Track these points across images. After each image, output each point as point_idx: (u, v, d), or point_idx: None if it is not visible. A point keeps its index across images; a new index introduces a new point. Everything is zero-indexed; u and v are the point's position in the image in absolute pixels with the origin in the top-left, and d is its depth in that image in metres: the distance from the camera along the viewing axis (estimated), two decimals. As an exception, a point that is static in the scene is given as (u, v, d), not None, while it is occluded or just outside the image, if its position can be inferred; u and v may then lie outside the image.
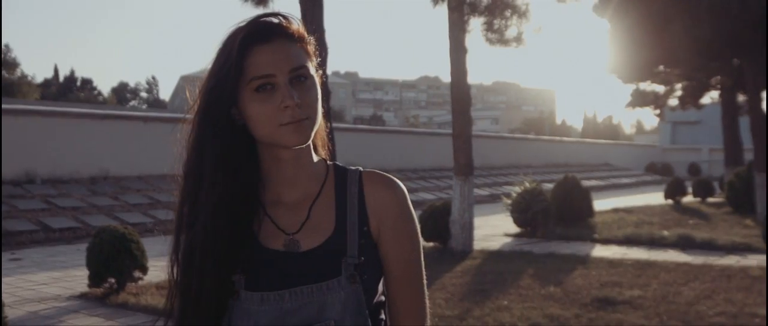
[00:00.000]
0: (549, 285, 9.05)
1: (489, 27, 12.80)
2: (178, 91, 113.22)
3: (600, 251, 12.43)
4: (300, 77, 1.43)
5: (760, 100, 17.40)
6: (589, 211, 17.14)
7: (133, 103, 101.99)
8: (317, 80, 1.48)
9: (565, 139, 51.69)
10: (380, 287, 1.53)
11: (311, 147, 1.53)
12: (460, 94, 12.46)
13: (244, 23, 1.47)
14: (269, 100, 1.41)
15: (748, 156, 24.18)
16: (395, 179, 1.58)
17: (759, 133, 16.98)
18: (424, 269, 1.59)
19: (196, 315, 1.44)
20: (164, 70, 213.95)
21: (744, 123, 26.78)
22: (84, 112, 21.03)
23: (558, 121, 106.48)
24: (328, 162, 1.61)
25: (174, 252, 1.50)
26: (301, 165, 1.52)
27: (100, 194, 17.33)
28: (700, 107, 27.19)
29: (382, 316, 1.54)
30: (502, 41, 12.91)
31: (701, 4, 14.58)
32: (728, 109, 25.68)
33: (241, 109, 1.45)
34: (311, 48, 1.51)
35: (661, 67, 21.26)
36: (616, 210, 19.78)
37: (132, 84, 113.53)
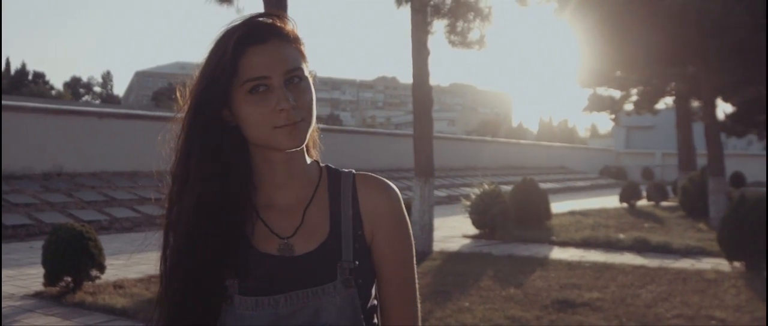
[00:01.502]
0: (509, 287, 9.11)
1: (452, 29, 12.84)
2: (133, 86, 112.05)
3: (558, 253, 12.56)
4: (295, 78, 1.41)
5: (714, 107, 17.74)
6: (547, 214, 17.30)
7: (86, 97, 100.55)
8: (311, 81, 1.46)
9: (522, 141, 52.15)
10: (373, 291, 1.52)
11: (304, 149, 1.51)
12: (422, 95, 12.48)
13: (238, 22, 1.44)
14: (263, 102, 1.38)
15: (701, 161, 24.67)
16: (389, 182, 1.56)
17: (713, 139, 17.31)
18: (416, 274, 1.57)
19: (185, 318, 1.41)
20: (119, 66, 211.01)
21: (697, 128, 27.34)
22: (37, 106, 20.60)
23: (514, 124, 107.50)
24: (321, 164, 1.59)
25: (163, 254, 1.47)
26: (295, 167, 1.50)
27: (54, 191, 17.00)
28: (655, 112, 27.65)
29: (375, 321, 1.53)
30: (465, 44, 12.96)
31: (659, 12, 14.81)
32: (683, 114, 26.15)
33: (233, 110, 1.42)
34: (305, 49, 1.49)
35: (618, 73, 21.56)
36: (572, 213, 20.01)
37: (85, 78, 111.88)
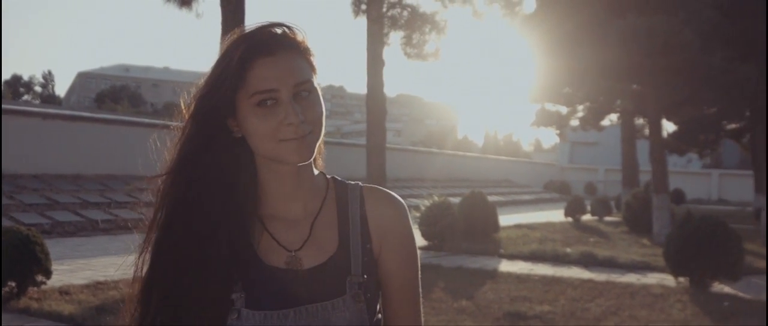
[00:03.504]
0: (461, 299, 9.14)
1: (408, 41, 12.91)
2: (75, 87, 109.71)
3: (507, 266, 12.66)
4: (303, 92, 1.38)
5: (660, 125, 18.13)
6: (495, 227, 17.42)
7: (26, 97, 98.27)
8: (320, 93, 1.44)
9: (468, 154, 52.55)
10: (378, 305, 1.50)
11: (312, 161, 1.49)
12: (375, 106, 12.52)
13: (247, 32, 1.41)
14: (271, 115, 1.35)
15: (644, 177, 25.18)
16: (396, 195, 1.55)
17: (657, 156, 17.69)
18: (420, 289, 1.56)
19: None
20: (61, 65, 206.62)
21: (641, 145, 27.92)
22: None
23: (460, 137, 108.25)
24: (327, 175, 1.57)
25: (153, 270, 1.42)
26: (302, 179, 1.47)
27: (-6, 192, 16.54)
28: (601, 129, 28.14)
29: None
30: (421, 56, 13.05)
31: (609, 30, 15.10)
32: (627, 132, 26.67)
33: (239, 121, 1.39)
34: (314, 60, 1.46)
35: (567, 89, 21.89)
36: (519, 226, 20.20)
37: (26, 77, 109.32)
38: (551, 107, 25.25)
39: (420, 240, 15.35)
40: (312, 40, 1.46)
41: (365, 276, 1.44)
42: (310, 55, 1.45)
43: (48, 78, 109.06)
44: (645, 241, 16.95)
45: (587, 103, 24.08)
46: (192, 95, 1.45)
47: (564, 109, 25.85)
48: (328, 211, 1.49)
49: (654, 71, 16.03)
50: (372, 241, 1.48)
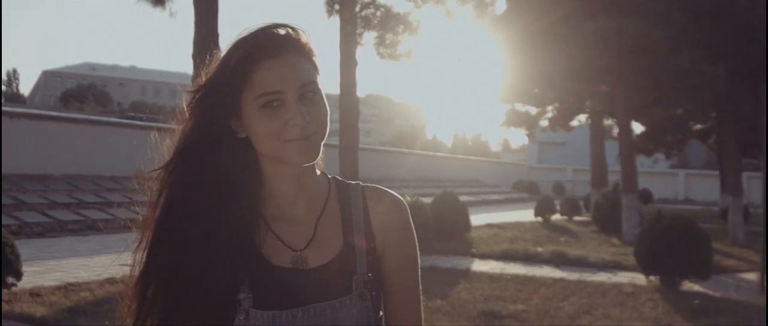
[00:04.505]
0: (435, 299, 9.16)
1: (381, 41, 12.93)
2: (40, 86, 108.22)
3: (479, 266, 12.73)
4: (309, 93, 1.39)
5: (629, 126, 18.33)
6: (466, 226, 17.48)
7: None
8: (323, 94, 1.44)
9: (438, 154, 52.71)
10: (381, 304, 1.51)
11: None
12: (348, 106, 12.52)
13: (250, 33, 1.41)
14: (275, 116, 1.36)
15: (612, 177, 25.44)
16: (397, 195, 1.56)
17: (627, 157, 17.89)
18: (420, 283, 1.58)
19: None
20: (25, 63, 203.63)
21: (609, 146, 28.19)
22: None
23: (429, 136, 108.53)
24: (328, 176, 1.57)
25: (150, 268, 1.41)
26: (305, 180, 1.48)
27: (-41, 193, 16.27)
28: (570, 129, 28.39)
29: None
30: (394, 56, 13.07)
31: (579, 31, 15.24)
32: (596, 132, 26.92)
33: (244, 122, 1.39)
34: (318, 61, 1.46)
35: (536, 90, 22.05)
36: (490, 226, 20.29)
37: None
38: (521, 108, 25.43)
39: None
40: (314, 41, 1.47)
41: (370, 275, 1.45)
42: (313, 56, 1.45)
43: (12, 76, 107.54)
44: (615, 241, 17.13)
45: (557, 104, 24.31)
46: (193, 95, 1.44)
47: (533, 110, 26.05)
48: (331, 211, 1.50)
49: (623, 72, 16.22)
50: (375, 240, 1.49)
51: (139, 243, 1.43)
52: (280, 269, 1.42)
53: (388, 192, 1.56)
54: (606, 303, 9.24)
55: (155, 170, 1.45)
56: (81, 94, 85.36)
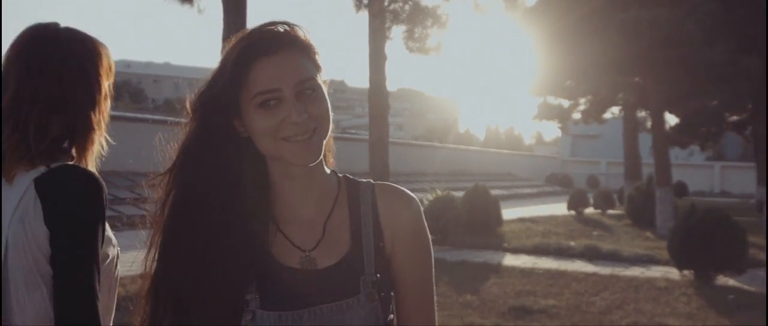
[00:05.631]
0: (465, 294, 9.15)
1: (410, 35, 12.89)
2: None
3: (510, 260, 12.66)
4: (307, 90, 1.37)
5: (663, 118, 18.11)
6: (498, 220, 17.41)
7: None
8: (325, 91, 1.43)
9: (470, 147, 52.54)
10: (391, 305, 1.49)
11: (323, 160, 1.47)
12: (378, 100, 12.51)
13: (247, 32, 1.41)
14: (273, 114, 1.35)
15: (646, 170, 25.15)
16: (408, 192, 1.54)
17: (660, 149, 17.67)
18: (434, 284, 1.55)
19: None
20: None
21: (643, 138, 27.89)
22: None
23: (461, 130, 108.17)
24: (339, 174, 1.55)
25: (159, 269, 1.41)
26: (313, 179, 1.46)
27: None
28: (602, 122, 28.14)
29: None
30: (423, 50, 13.03)
31: (612, 23, 15.07)
32: (629, 125, 26.63)
33: (245, 122, 1.39)
34: (318, 57, 1.45)
35: (569, 82, 21.88)
36: (522, 220, 20.17)
37: None
38: (553, 100, 25.27)
39: (423, 235, 15.32)
40: (315, 36, 1.45)
41: (378, 275, 1.43)
42: (313, 52, 1.43)
43: None
44: (648, 234, 16.93)
45: (589, 96, 24.11)
46: (195, 95, 1.43)
47: (566, 102, 25.87)
48: (340, 211, 1.48)
49: (656, 64, 15.99)
50: (384, 240, 1.46)
51: (150, 244, 1.43)
52: (289, 270, 1.41)
53: (399, 189, 1.54)
54: (638, 298, 9.15)
55: (162, 174, 1.45)
56: (116, 91, 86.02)
